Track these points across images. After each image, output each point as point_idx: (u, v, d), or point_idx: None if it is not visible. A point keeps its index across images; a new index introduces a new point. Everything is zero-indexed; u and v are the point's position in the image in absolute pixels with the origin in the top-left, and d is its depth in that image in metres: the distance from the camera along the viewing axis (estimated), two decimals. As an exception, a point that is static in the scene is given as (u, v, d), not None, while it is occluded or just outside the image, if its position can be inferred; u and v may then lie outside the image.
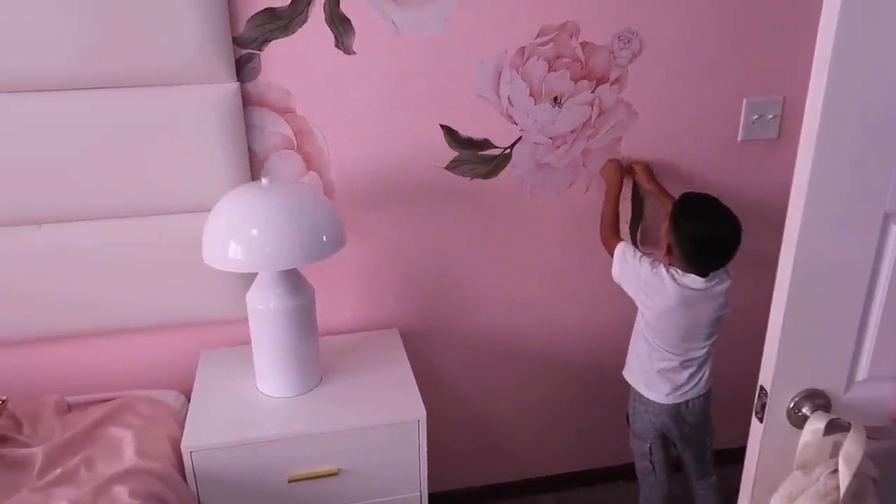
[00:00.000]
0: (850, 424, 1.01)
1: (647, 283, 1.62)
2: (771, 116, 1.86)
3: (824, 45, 0.89)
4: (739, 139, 1.88)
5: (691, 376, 1.70)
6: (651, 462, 1.82)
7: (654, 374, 1.71)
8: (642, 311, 1.69)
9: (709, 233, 1.57)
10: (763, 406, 1.06)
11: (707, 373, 1.73)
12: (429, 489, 1.62)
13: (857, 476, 1.01)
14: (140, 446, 1.46)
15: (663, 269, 1.62)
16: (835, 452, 1.02)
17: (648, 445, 1.80)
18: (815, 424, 1.01)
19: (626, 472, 2.14)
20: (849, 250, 0.98)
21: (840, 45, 0.87)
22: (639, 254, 1.66)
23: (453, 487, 2.12)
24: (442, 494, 2.07)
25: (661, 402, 1.72)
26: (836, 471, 1.00)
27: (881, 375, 1.06)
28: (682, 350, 1.67)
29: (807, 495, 1.00)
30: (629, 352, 1.80)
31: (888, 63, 0.89)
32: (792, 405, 1.05)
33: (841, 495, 0.99)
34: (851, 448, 0.99)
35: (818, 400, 1.05)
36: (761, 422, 1.06)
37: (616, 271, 1.70)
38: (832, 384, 1.05)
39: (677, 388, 1.70)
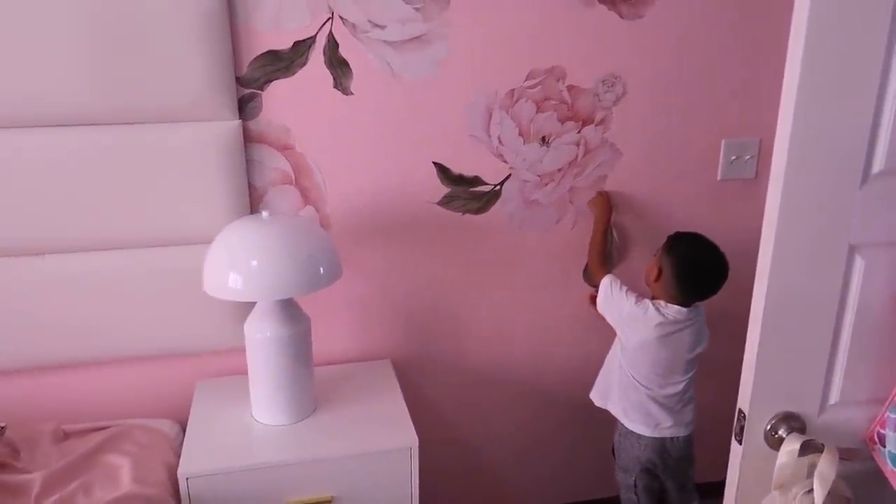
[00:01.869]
0: (823, 446, 1.06)
1: (631, 313, 1.68)
2: (748, 157, 1.96)
3: (789, 90, 0.97)
4: (718, 178, 1.96)
5: (673, 414, 1.75)
6: (636, 494, 1.85)
7: (631, 405, 1.76)
8: (622, 343, 1.75)
9: (704, 256, 1.67)
10: (741, 429, 1.11)
11: (689, 414, 1.77)
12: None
13: (832, 496, 1.06)
14: (136, 473, 1.48)
15: (648, 302, 1.68)
16: (810, 473, 1.07)
17: (633, 479, 1.83)
18: (791, 445, 1.06)
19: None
20: (817, 281, 1.05)
21: (803, 90, 0.95)
22: (625, 287, 1.73)
23: (443, 519, 2.14)
24: (432, 526, 2.09)
25: (646, 434, 1.76)
26: (811, 490, 1.05)
27: (852, 399, 1.12)
28: (660, 385, 1.72)
29: (784, 514, 1.05)
30: (602, 379, 1.85)
31: (847, 103, 0.97)
32: (769, 427, 1.11)
33: (816, 513, 1.04)
34: (825, 468, 1.04)
35: (794, 422, 1.10)
36: (740, 444, 1.12)
37: (600, 302, 1.76)
38: (806, 408, 1.11)
39: (658, 423, 1.75)
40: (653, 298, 1.71)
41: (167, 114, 1.59)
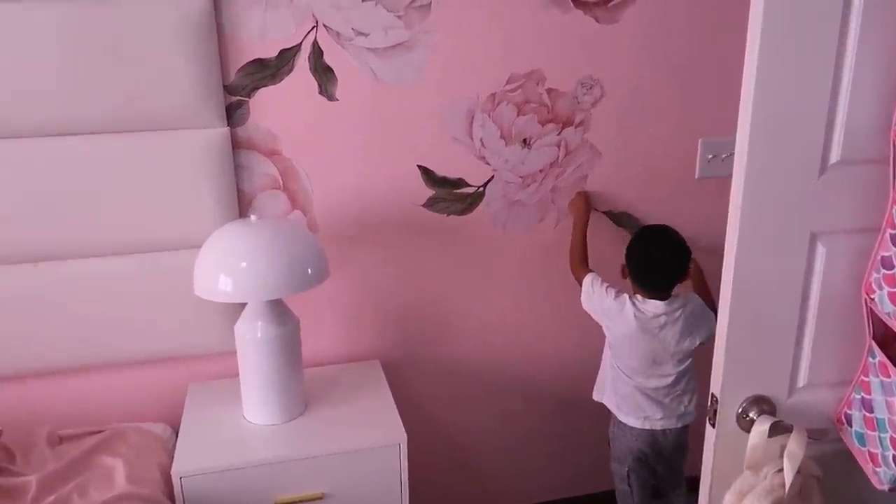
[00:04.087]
0: (792, 426, 1.11)
1: (611, 308, 1.73)
2: (725, 155, 2.01)
3: (748, 86, 1.02)
4: (696, 176, 2.02)
5: (663, 407, 1.78)
6: (629, 486, 1.89)
7: (622, 397, 1.80)
8: (608, 337, 1.79)
9: (652, 255, 1.72)
10: (715, 412, 1.15)
11: (683, 406, 1.79)
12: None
13: (801, 474, 1.10)
14: (131, 473, 1.51)
15: (626, 297, 1.73)
16: (781, 453, 1.11)
17: (626, 469, 1.87)
18: (761, 427, 1.11)
19: (603, 499, 2.21)
20: (781, 269, 1.10)
21: (761, 85, 1.01)
22: (605, 284, 1.77)
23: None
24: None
25: (636, 426, 1.80)
26: (781, 469, 1.10)
27: (819, 382, 1.16)
28: (646, 376, 1.76)
29: (756, 492, 1.09)
30: (600, 375, 1.89)
31: (804, 97, 1.02)
32: (740, 410, 1.15)
33: (786, 491, 1.08)
34: (794, 447, 1.09)
35: (764, 405, 1.14)
36: (714, 427, 1.16)
37: (583, 300, 1.81)
38: (776, 391, 1.15)
39: (647, 416, 1.79)
40: (633, 293, 1.76)
41: (157, 122, 1.63)
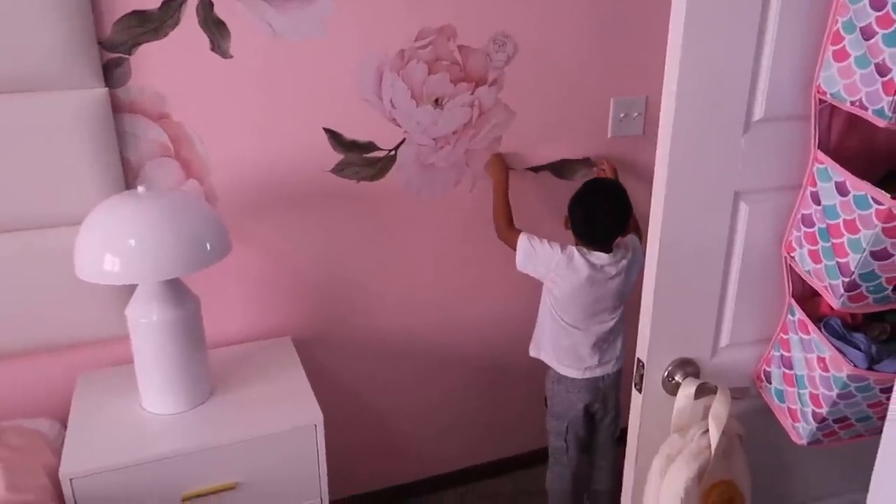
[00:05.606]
0: (716, 388, 1.10)
1: (559, 263, 1.69)
2: (636, 114, 2.00)
3: (674, 45, 0.97)
4: (609, 136, 2.00)
5: (602, 352, 1.78)
6: (566, 441, 1.88)
7: (563, 350, 1.78)
8: (551, 290, 1.76)
9: (593, 208, 1.69)
10: (641, 377, 1.14)
11: (618, 352, 1.81)
12: (331, 497, 1.60)
13: (726, 434, 1.11)
14: (11, 479, 1.34)
15: (573, 248, 1.70)
16: (705, 415, 1.11)
17: (565, 425, 1.86)
18: (687, 390, 1.10)
19: (530, 461, 2.22)
20: (706, 228, 1.08)
21: (688, 44, 0.96)
22: (544, 239, 1.72)
23: (356, 493, 2.11)
24: (345, 500, 2.06)
25: (578, 377, 1.79)
26: (707, 431, 1.10)
27: (741, 341, 1.17)
28: (588, 324, 1.75)
29: (683, 455, 1.09)
30: (537, 330, 1.86)
31: (728, 55, 0.98)
32: (666, 374, 1.14)
33: (712, 452, 1.08)
34: (719, 409, 1.09)
35: (688, 367, 1.14)
36: (640, 392, 1.14)
37: (520, 261, 1.74)
38: (700, 352, 1.15)
39: (588, 365, 1.78)
40: (576, 244, 1.73)
41: (19, 82, 1.42)
